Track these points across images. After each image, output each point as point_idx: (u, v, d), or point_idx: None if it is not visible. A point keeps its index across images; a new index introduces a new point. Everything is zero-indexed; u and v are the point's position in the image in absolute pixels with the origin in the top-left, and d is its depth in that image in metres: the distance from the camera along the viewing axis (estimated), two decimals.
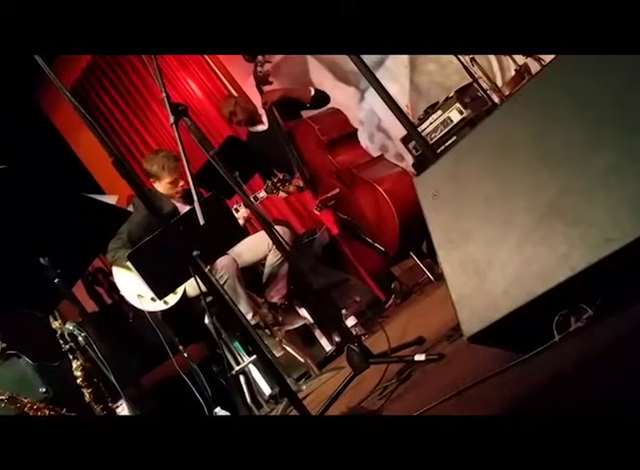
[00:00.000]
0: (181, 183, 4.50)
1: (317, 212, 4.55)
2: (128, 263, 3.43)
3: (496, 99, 4.52)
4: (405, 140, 4.87)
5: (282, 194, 4.66)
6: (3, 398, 2.66)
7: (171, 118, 2.38)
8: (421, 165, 4.55)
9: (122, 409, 3.87)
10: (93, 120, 2.14)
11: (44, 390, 4.04)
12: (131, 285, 4.14)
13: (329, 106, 4.98)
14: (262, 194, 4.39)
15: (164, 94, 2.37)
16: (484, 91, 4.54)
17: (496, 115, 1.75)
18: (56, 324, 2.84)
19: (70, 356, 2.79)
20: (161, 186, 4.46)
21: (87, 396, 2.80)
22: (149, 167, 4.46)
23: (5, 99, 6.57)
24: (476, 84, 4.56)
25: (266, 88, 4.81)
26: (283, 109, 4.76)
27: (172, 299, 4.16)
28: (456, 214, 1.72)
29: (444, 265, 1.71)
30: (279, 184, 4.39)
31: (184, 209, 4.43)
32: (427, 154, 3.17)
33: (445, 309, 2.81)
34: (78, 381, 2.78)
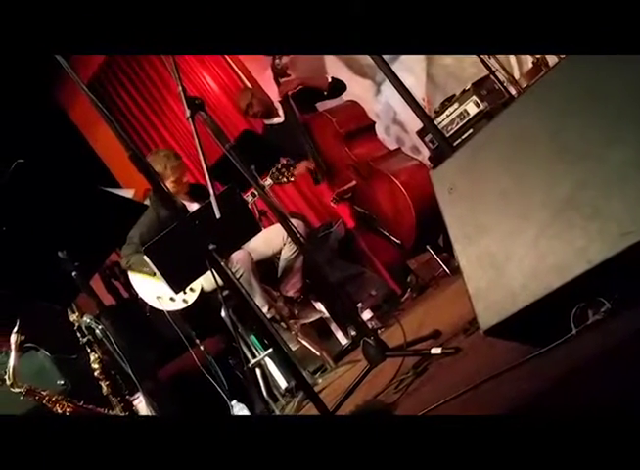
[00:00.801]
0: (185, 180, 4.50)
1: (333, 205, 4.55)
2: (145, 258, 3.45)
3: (513, 91, 4.49)
4: (421, 133, 4.85)
5: (290, 179, 4.64)
6: (22, 390, 2.68)
7: (188, 112, 2.39)
8: (437, 159, 4.54)
9: (140, 402, 3.90)
10: (110, 115, 2.15)
11: (62, 382, 4.08)
12: (149, 288, 4.16)
13: (346, 98, 4.98)
14: (268, 182, 4.37)
15: (181, 88, 2.38)
16: (501, 83, 4.51)
17: (513, 108, 1.74)
18: (74, 317, 2.85)
19: (88, 349, 2.81)
20: (167, 185, 4.46)
21: (105, 388, 2.82)
22: (151, 169, 4.44)
23: (23, 94, 6.61)
24: (493, 77, 4.53)
25: (283, 80, 4.81)
26: (300, 100, 4.76)
27: (191, 297, 4.18)
28: (473, 208, 1.72)
29: (461, 259, 1.71)
30: (283, 170, 4.38)
31: (190, 205, 4.45)
32: (443, 147, 3.16)
33: (461, 303, 2.81)
34: (96, 373, 2.80)
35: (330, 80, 4.85)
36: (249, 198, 4.30)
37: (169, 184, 4.43)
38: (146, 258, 3.38)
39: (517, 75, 4.88)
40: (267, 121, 5.11)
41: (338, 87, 4.87)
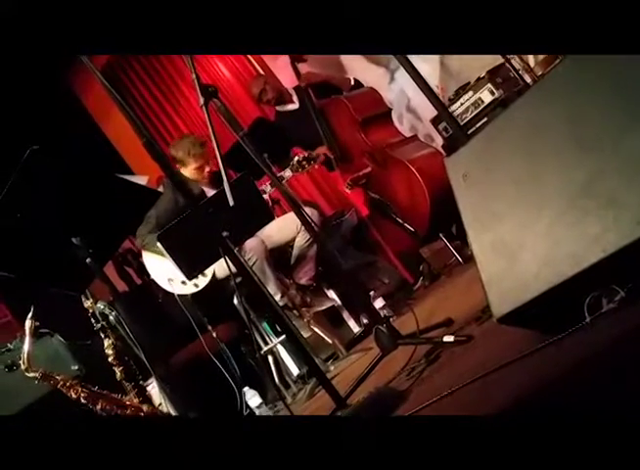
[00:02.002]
0: (207, 169, 4.50)
1: (348, 191, 4.54)
2: (158, 244, 3.46)
3: (528, 79, 4.45)
4: (435, 121, 4.82)
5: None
6: (37, 374, 2.70)
7: (201, 100, 2.39)
8: (451, 147, 4.52)
9: (153, 387, 3.93)
10: (124, 102, 2.16)
11: (76, 367, 4.11)
12: (161, 269, 4.18)
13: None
14: (288, 173, 4.36)
15: (194, 75, 2.38)
16: (516, 71, 4.48)
17: (528, 95, 1.73)
18: (87, 303, 2.87)
19: (102, 335, 2.82)
20: (188, 171, 4.47)
21: (118, 374, 2.83)
22: (174, 153, 4.46)
23: (37, 81, 6.63)
24: (508, 64, 4.49)
25: (301, 66, 4.81)
26: (317, 90, 4.76)
27: (202, 281, 4.20)
28: (487, 196, 1.71)
29: (474, 246, 1.70)
30: (304, 162, 4.38)
31: (210, 192, 4.45)
32: (457, 135, 3.15)
33: (474, 291, 2.80)
34: (110, 359, 2.82)
35: (352, 82, 4.87)
36: (267, 188, 4.30)
37: (192, 170, 4.44)
38: (159, 244, 3.39)
39: (532, 63, 4.83)
40: (280, 108, 5.11)
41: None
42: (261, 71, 6.53)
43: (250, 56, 6.66)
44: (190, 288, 4.17)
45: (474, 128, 4.49)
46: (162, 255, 3.83)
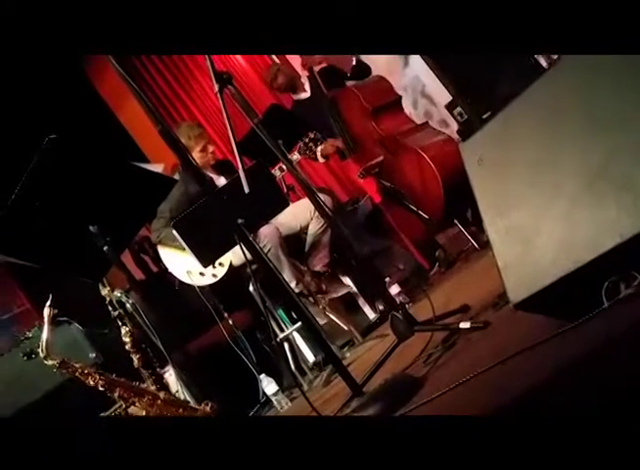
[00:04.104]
0: (211, 149, 4.51)
1: (361, 180, 4.54)
2: (174, 232, 3.47)
3: (544, 63, 4.42)
4: (450, 106, 4.80)
5: (321, 159, 4.66)
6: (55, 362, 2.72)
7: (216, 87, 2.38)
8: (465, 132, 4.49)
9: (170, 375, 3.96)
10: (139, 90, 2.16)
11: (94, 355, 4.15)
12: (179, 263, 4.19)
13: (374, 72, 4.95)
14: (296, 156, 4.38)
15: (209, 63, 2.38)
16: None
17: (543, 79, 1.71)
18: (105, 291, 2.88)
19: (119, 323, 2.84)
20: (194, 157, 4.47)
21: (136, 361, 2.85)
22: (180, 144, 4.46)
23: (54, 70, 6.65)
24: None
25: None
26: (326, 77, 4.74)
27: (220, 271, 4.21)
28: (502, 181, 1.70)
29: (490, 232, 1.70)
30: (311, 144, 4.38)
31: (217, 179, 4.46)
32: (473, 120, 3.13)
33: (490, 277, 2.79)
34: (127, 347, 2.83)
35: (354, 63, 4.84)
36: (276, 172, 4.30)
37: (196, 154, 4.44)
38: (175, 232, 3.40)
39: None
40: (295, 96, 5.11)
41: (362, 70, 4.85)
42: (276, 59, 6.52)
43: None
44: (208, 279, 4.19)
45: (488, 113, 4.46)
46: (179, 249, 3.85)
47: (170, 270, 4.31)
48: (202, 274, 4.13)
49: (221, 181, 4.45)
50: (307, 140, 4.39)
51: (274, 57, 6.57)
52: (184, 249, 3.16)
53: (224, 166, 4.71)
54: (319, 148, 4.55)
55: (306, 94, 5.04)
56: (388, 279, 4.29)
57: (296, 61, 5.84)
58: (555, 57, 4.26)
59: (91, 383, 2.76)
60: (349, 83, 4.81)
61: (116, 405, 3.01)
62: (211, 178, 4.45)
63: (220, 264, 4.20)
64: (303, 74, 5.04)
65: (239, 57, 6.93)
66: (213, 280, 4.20)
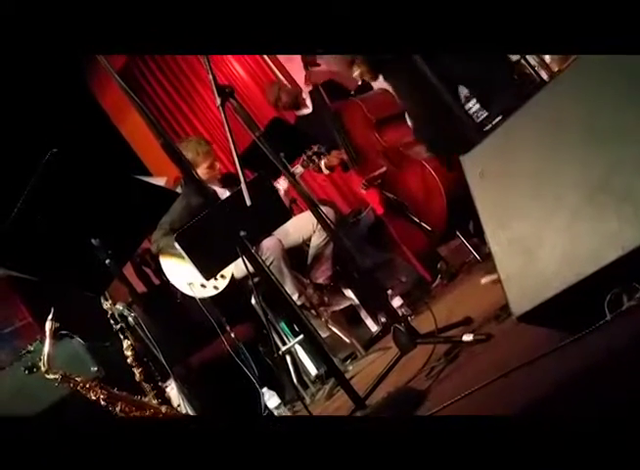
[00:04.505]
0: (218, 166, 4.52)
1: (363, 191, 4.54)
2: (176, 245, 3.47)
3: (544, 75, 4.43)
4: None
5: (325, 170, 4.66)
6: (57, 376, 2.71)
7: (218, 100, 2.39)
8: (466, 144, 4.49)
9: (172, 389, 3.94)
10: (141, 103, 2.17)
11: (96, 369, 4.13)
12: (180, 273, 4.18)
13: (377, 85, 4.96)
14: (299, 169, 4.39)
15: (211, 76, 2.39)
16: (532, 68, 4.45)
17: (545, 91, 1.72)
18: (106, 305, 2.88)
19: (121, 336, 2.83)
20: (199, 172, 4.47)
21: (137, 375, 2.84)
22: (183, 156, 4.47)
23: (56, 83, 6.68)
24: (523, 61, 4.47)
25: (313, 69, 4.81)
26: (329, 89, 4.76)
27: (222, 283, 4.20)
28: (504, 193, 1.70)
29: (492, 244, 1.70)
30: (314, 157, 4.39)
31: (222, 193, 4.46)
32: (473, 133, 3.14)
33: (493, 289, 2.79)
34: (129, 360, 2.83)
35: (359, 83, 4.86)
36: (280, 185, 4.31)
37: (203, 170, 4.46)
38: (177, 245, 3.40)
39: (548, 59, 4.81)
40: (298, 112, 5.13)
41: (366, 90, 4.87)
42: (278, 73, 6.55)
43: (266, 56, 6.67)
44: (210, 291, 4.17)
45: (489, 125, 4.47)
46: (180, 257, 3.85)
47: (171, 281, 4.31)
48: (203, 286, 4.12)
49: (225, 194, 4.46)
50: (311, 153, 4.40)
51: (277, 71, 6.60)
52: (185, 258, 3.16)
53: (230, 179, 4.72)
54: (323, 161, 4.55)
55: (308, 110, 5.06)
56: (390, 291, 4.28)
57: (298, 75, 5.86)
58: (556, 69, 4.27)
59: (93, 397, 2.75)
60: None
61: None
62: (215, 191, 4.45)
63: (222, 276, 4.19)
64: (306, 89, 5.06)
65: (240, 70, 6.95)
66: (215, 292, 4.19)
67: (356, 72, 3.91)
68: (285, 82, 5.72)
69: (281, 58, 6.55)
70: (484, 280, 2.90)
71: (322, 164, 4.55)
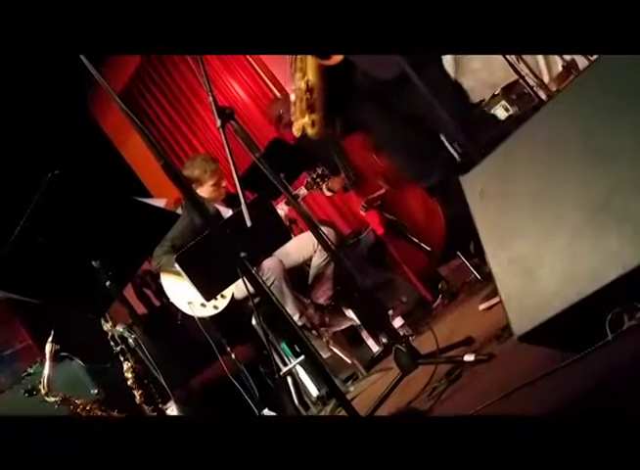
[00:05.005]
0: (223, 184, 4.54)
1: (363, 213, 4.55)
2: (176, 266, 3.47)
3: (543, 95, 4.45)
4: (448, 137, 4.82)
5: (327, 192, 4.67)
6: (57, 399, 2.71)
7: (218, 122, 2.40)
8: (465, 164, 4.50)
9: (172, 411, 3.92)
10: (142, 125, 2.18)
11: (96, 391, 4.12)
12: (180, 292, 4.18)
13: None
14: (303, 191, 4.40)
15: (211, 98, 2.40)
16: (531, 88, 4.48)
17: (544, 111, 1.73)
18: (107, 326, 2.88)
19: (121, 358, 2.83)
20: (204, 190, 4.49)
21: (138, 397, 2.83)
22: (190, 173, 4.49)
23: (57, 106, 6.72)
24: (522, 81, 4.50)
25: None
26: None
27: (222, 303, 4.20)
28: (504, 212, 1.70)
29: (493, 264, 1.70)
30: (318, 179, 4.41)
31: (226, 212, 4.47)
32: (472, 152, 3.14)
33: (494, 309, 2.79)
34: (129, 382, 2.82)
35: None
36: (282, 207, 4.32)
37: (209, 188, 4.47)
38: (177, 266, 3.41)
39: (546, 79, 4.84)
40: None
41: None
42: (276, 92, 6.58)
43: (265, 77, 6.70)
44: (210, 310, 4.17)
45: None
46: (180, 275, 3.85)
47: (171, 300, 4.30)
48: (203, 305, 4.12)
49: (229, 213, 4.47)
50: (315, 176, 4.41)
51: (275, 90, 6.63)
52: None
53: (235, 200, 4.73)
54: (326, 183, 4.56)
55: None
56: (391, 312, 4.28)
57: None
58: (554, 89, 4.29)
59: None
60: None
61: None
62: (218, 211, 4.46)
63: (222, 296, 4.19)
64: None
65: (240, 91, 6.99)
66: (215, 312, 4.19)
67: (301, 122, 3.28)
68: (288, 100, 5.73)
69: (280, 78, 6.58)
70: (482, 306, 2.89)
71: (324, 187, 4.55)
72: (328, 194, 4.75)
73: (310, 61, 2.80)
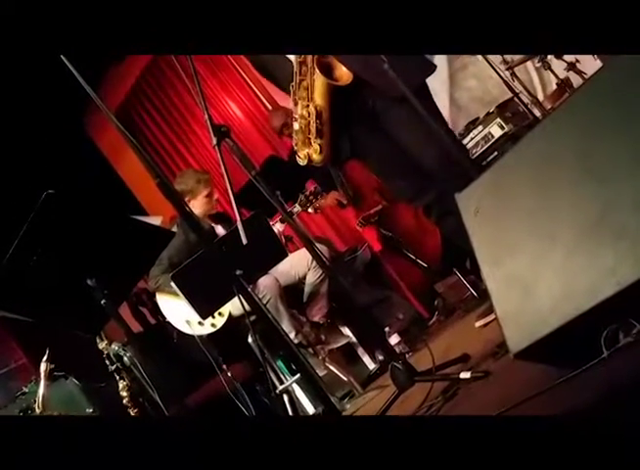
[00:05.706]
0: (216, 196, 4.54)
1: (360, 229, 4.55)
2: (172, 284, 3.46)
3: (538, 113, 4.48)
4: None
5: (319, 207, 4.68)
6: None
7: (214, 140, 2.41)
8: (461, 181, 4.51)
9: None
10: (137, 143, 2.18)
11: (91, 410, 4.09)
12: (177, 311, 4.17)
13: None
14: (297, 208, 4.41)
15: (207, 116, 2.40)
16: (526, 105, 4.51)
17: (539, 129, 1.73)
18: (102, 345, 2.87)
19: (117, 377, 2.82)
20: (198, 202, 4.49)
21: (133, 416, 2.83)
22: (184, 186, 4.49)
23: (53, 125, 6.73)
24: (517, 99, 4.52)
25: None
26: None
27: (219, 321, 4.19)
28: (500, 230, 1.71)
29: (489, 281, 1.70)
30: (311, 197, 4.41)
31: (217, 228, 4.47)
32: (468, 170, 3.15)
33: (490, 326, 2.79)
34: (124, 401, 2.81)
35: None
36: (278, 225, 4.32)
37: (201, 200, 4.47)
38: (173, 284, 3.40)
39: (541, 97, 4.87)
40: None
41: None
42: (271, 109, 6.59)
43: (261, 95, 6.72)
44: (207, 328, 4.16)
45: (484, 163, 4.50)
46: (177, 295, 3.84)
47: (169, 319, 4.29)
48: (200, 324, 4.11)
49: (219, 230, 4.47)
50: (308, 193, 4.42)
51: (269, 107, 6.64)
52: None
53: (221, 217, 4.73)
54: (320, 201, 4.57)
55: None
56: (387, 329, 4.27)
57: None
58: (549, 107, 4.32)
59: None
60: None
61: None
62: (212, 227, 4.46)
63: (220, 314, 4.18)
64: None
65: (236, 109, 7.01)
66: (212, 330, 4.18)
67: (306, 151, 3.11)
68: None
69: (275, 96, 6.60)
70: (479, 323, 2.90)
71: (318, 204, 4.56)
72: (318, 211, 4.74)
73: (319, 84, 2.80)
